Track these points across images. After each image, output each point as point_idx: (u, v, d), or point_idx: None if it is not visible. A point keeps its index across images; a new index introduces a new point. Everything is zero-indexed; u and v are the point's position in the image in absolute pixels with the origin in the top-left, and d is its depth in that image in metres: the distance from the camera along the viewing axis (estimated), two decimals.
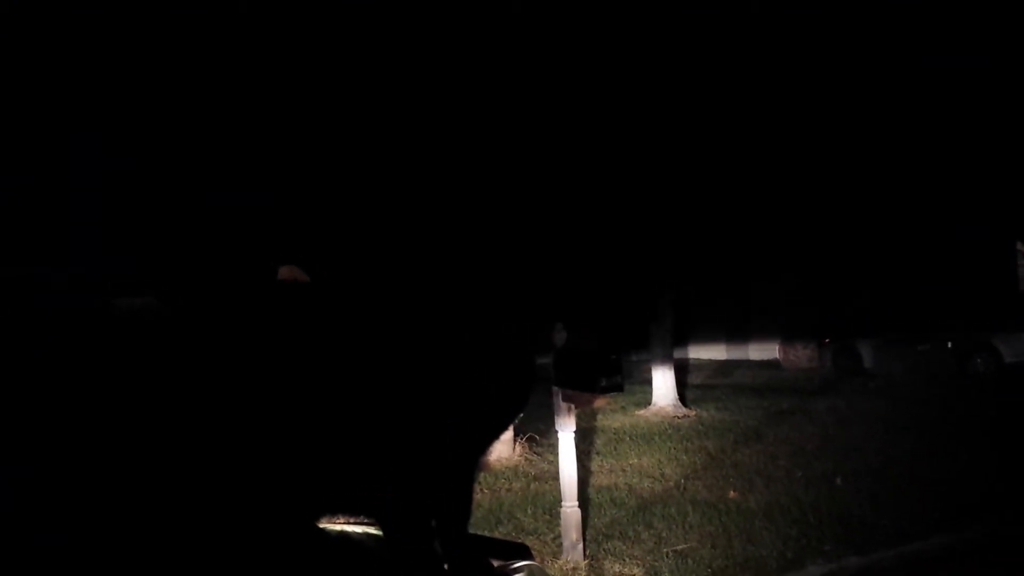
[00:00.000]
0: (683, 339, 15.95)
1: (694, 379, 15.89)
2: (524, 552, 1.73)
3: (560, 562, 5.36)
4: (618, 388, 2.09)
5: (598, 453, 8.98)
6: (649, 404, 11.94)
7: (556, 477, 5.95)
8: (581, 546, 5.48)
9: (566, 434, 5.66)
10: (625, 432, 10.21)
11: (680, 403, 11.96)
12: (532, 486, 7.56)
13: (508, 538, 1.78)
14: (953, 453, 8.03)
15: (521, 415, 1.61)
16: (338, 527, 1.67)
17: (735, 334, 20.47)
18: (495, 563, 1.64)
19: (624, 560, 5.40)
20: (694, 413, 11.56)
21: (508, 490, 7.44)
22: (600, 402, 11.51)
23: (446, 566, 1.41)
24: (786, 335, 18.06)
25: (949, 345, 14.55)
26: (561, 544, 5.50)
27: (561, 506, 5.60)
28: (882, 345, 15.51)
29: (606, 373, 2.11)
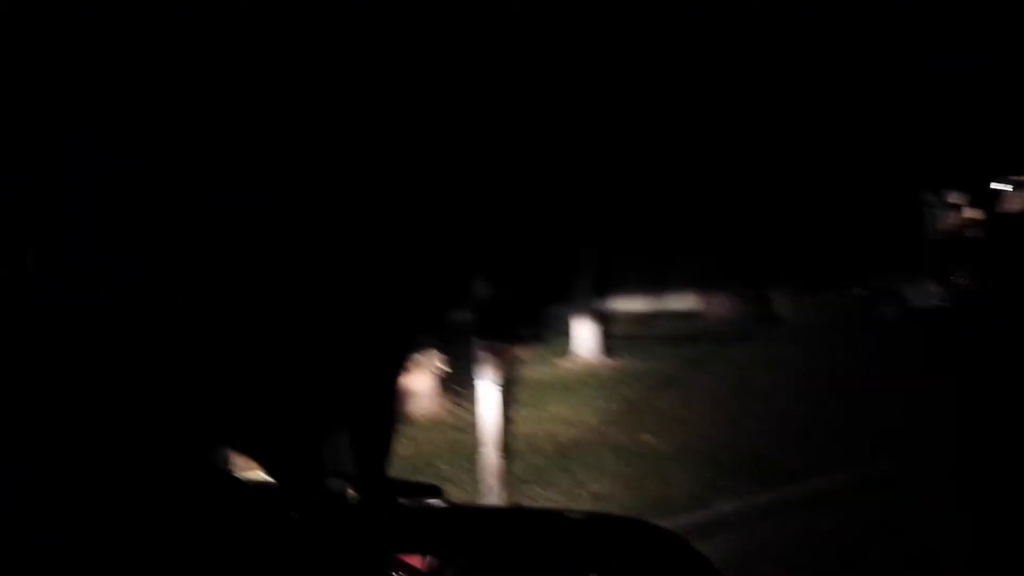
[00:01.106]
0: (605, 290, 16.10)
1: (616, 330, 16.11)
2: (436, 492, 1.77)
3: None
4: (538, 338, 2.13)
5: (518, 403, 9.06)
6: (568, 354, 12.08)
7: (476, 427, 6.02)
8: (499, 492, 5.57)
9: (485, 383, 5.72)
10: (545, 382, 10.33)
11: (601, 353, 12.13)
12: (452, 436, 7.63)
13: (420, 481, 1.81)
14: (858, 396, 8.35)
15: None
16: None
17: (656, 284, 20.76)
18: (407, 502, 1.67)
19: (541, 504, 5.51)
20: (614, 362, 11.75)
21: (429, 442, 7.50)
22: (520, 352, 11.62)
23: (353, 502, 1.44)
24: (705, 285, 18.40)
25: (854, 291, 15.04)
26: (480, 491, 5.59)
27: (479, 453, 5.67)
28: (795, 293, 15.94)
29: (525, 323, 2.15)
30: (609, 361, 11.84)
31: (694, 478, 5.84)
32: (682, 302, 19.57)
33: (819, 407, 7.99)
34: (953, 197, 18.72)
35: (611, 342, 13.37)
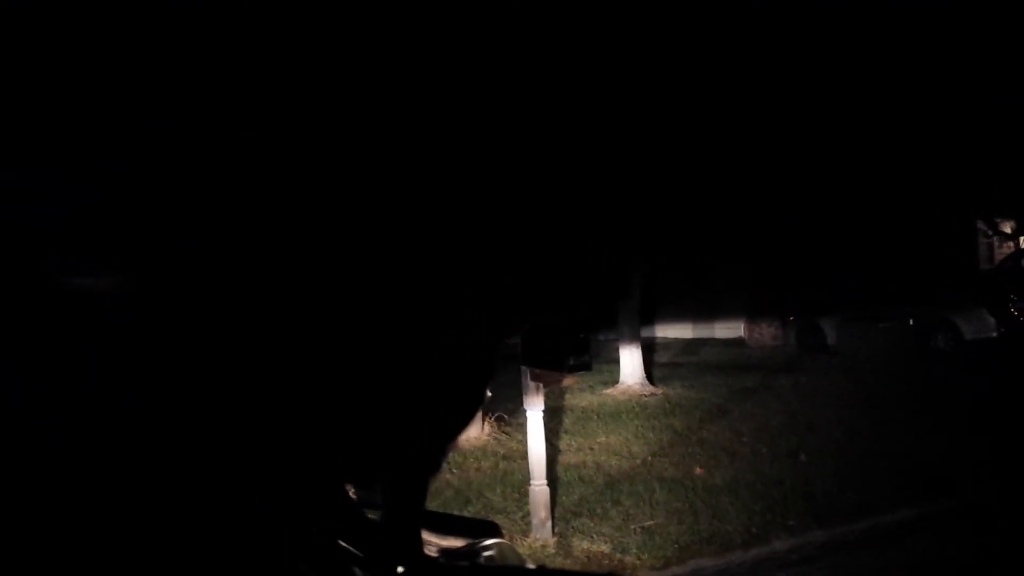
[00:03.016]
0: (650, 318, 16.01)
1: (661, 358, 15.99)
2: (494, 530, 1.72)
3: (529, 540, 5.39)
4: (586, 367, 2.09)
5: (566, 432, 9.02)
6: (616, 383, 11.99)
7: (525, 456, 5.98)
8: (550, 524, 5.52)
9: (534, 412, 5.68)
10: (593, 411, 10.26)
11: (647, 381, 12.03)
12: (501, 465, 7.58)
13: (477, 516, 1.77)
14: (914, 429, 8.15)
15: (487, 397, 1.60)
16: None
17: (701, 312, 20.60)
18: (464, 542, 1.63)
19: (592, 537, 5.44)
20: (661, 391, 11.64)
21: (477, 469, 7.46)
22: (568, 381, 11.55)
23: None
24: (751, 313, 18.23)
25: (911, 322, 14.76)
26: (530, 522, 5.53)
27: (530, 484, 5.62)
28: (845, 323, 15.70)
29: (574, 352, 2.11)
30: (656, 390, 11.73)
31: (748, 514, 5.72)
32: (728, 330, 19.40)
33: (873, 440, 7.83)
34: (1008, 226, 18.39)
35: (658, 370, 13.26)
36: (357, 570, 1.34)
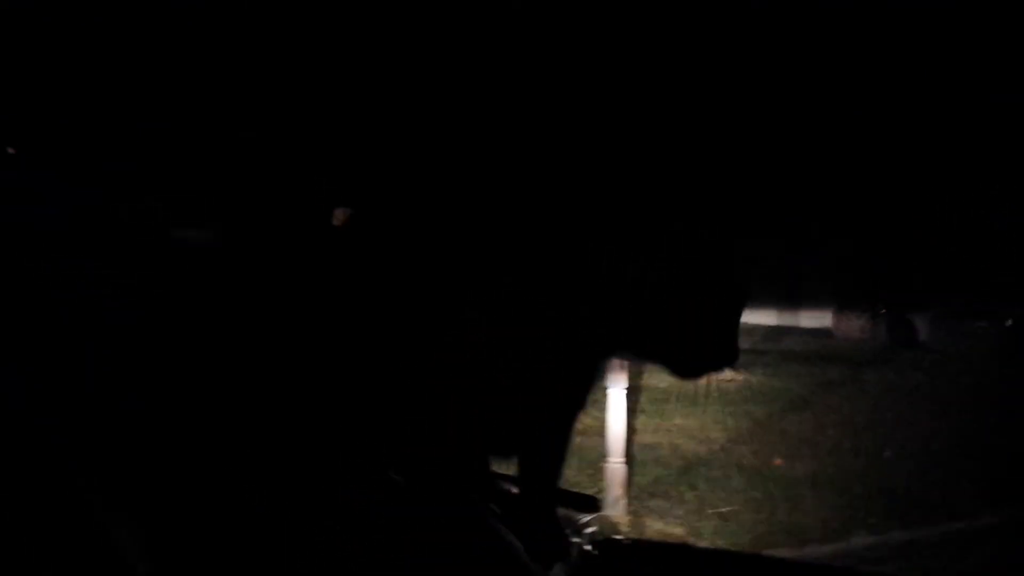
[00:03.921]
0: None
1: (743, 343, 15.69)
2: (594, 504, 1.75)
3: (602, 517, 5.42)
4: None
5: (643, 411, 8.97)
6: None
7: (601, 432, 5.97)
8: (624, 502, 5.52)
9: (616, 389, 5.68)
10: (671, 392, 10.15)
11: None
12: (577, 440, 7.56)
13: (578, 491, 1.79)
14: (1006, 433, 7.89)
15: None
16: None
17: (787, 299, 20.20)
18: (567, 513, 1.65)
19: (666, 518, 5.43)
20: (741, 377, 11.46)
21: None
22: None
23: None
24: (840, 303, 17.80)
25: (1008, 323, 14.24)
26: (604, 499, 5.55)
27: (606, 461, 5.63)
28: (938, 319, 15.24)
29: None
30: (737, 376, 11.55)
31: (827, 508, 5.63)
32: (815, 319, 18.99)
33: (960, 441, 7.59)
34: None
35: (740, 356, 13.05)
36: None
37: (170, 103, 1.26)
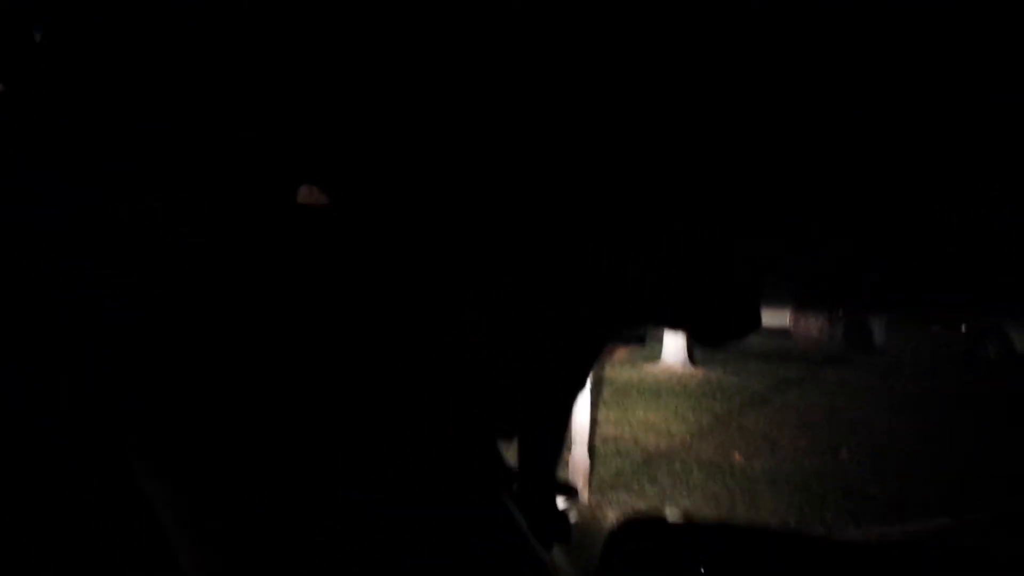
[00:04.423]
0: None
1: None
2: (573, 493, 1.77)
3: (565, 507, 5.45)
4: (640, 340, 2.11)
5: (604, 403, 9.04)
6: (658, 360, 11.99)
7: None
8: (587, 493, 5.57)
9: (579, 394, 5.72)
10: (633, 386, 10.27)
11: (689, 362, 12.01)
12: None
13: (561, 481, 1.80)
14: (958, 435, 8.07)
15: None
16: None
17: None
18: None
19: (627, 511, 5.48)
20: (702, 373, 11.61)
21: None
22: (619, 353, 11.57)
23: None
24: (798, 304, 18.04)
25: (962, 328, 14.53)
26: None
27: (569, 451, 5.67)
28: (894, 322, 15.51)
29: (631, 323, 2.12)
30: (697, 371, 11.71)
31: (785, 504, 5.72)
32: (773, 318, 19.23)
33: (914, 443, 7.75)
34: None
35: (700, 352, 13.21)
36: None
37: (170, 103, 1.25)
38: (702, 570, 1.44)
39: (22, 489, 0.98)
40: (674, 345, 12.01)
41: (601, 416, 8.36)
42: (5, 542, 0.93)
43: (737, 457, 6.93)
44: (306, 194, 1.44)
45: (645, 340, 2.23)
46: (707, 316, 1.44)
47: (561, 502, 1.73)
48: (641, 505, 5.61)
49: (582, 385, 1.54)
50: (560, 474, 4.57)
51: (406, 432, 1.26)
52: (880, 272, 16.63)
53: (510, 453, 1.51)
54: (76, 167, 1.20)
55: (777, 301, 18.84)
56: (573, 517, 1.74)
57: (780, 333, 18.18)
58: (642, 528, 1.70)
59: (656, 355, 12.10)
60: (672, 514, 5.29)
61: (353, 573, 1.07)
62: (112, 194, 1.20)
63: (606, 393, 9.63)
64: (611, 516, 5.36)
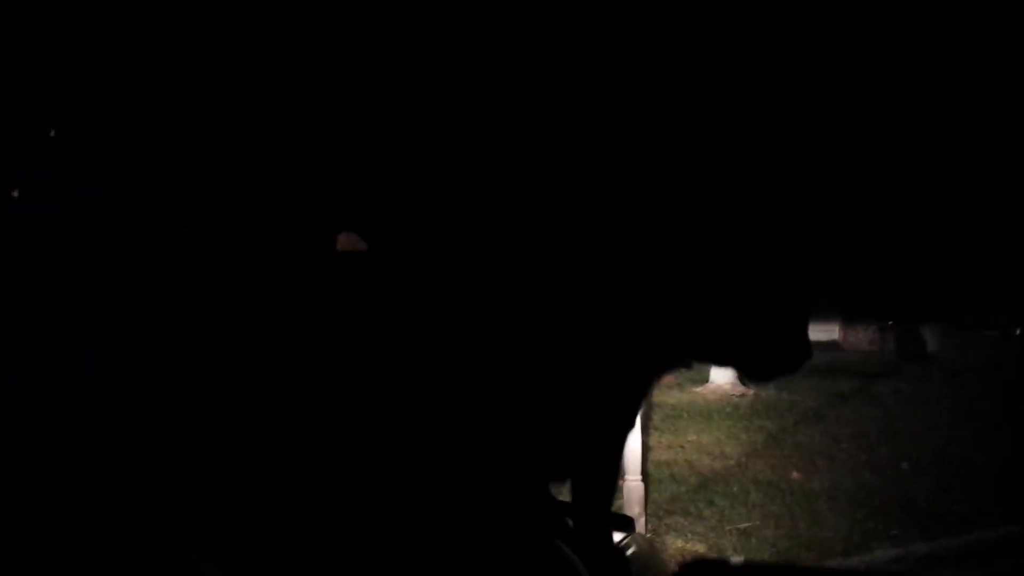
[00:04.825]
0: None
1: None
2: (630, 524, 1.75)
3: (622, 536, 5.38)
4: (686, 364, 2.09)
5: (656, 428, 8.95)
6: (706, 382, 11.84)
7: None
8: (643, 520, 5.49)
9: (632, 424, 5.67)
10: (683, 408, 10.16)
11: (738, 382, 11.84)
12: None
13: (614, 512, 1.78)
14: (1019, 440, 7.85)
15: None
16: None
17: None
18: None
19: (687, 536, 5.40)
20: (752, 392, 11.44)
21: None
22: (668, 378, 11.46)
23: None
24: (847, 316, 17.74)
25: (1017, 332, 14.19)
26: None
27: (623, 479, 5.60)
28: (948, 330, 15.20)
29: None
30: (747, 391, 11.53)
31: (848, 521, 5.60)
32: (822, 332, 18.94)
33: (976, 452, 7.55)
34: None
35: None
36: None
37: (170, 103, 1.26)
38: None
39: (22, 489, 0.99)
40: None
41: (652, 441, 8.27)
42: (5, 542, 0.94)
43: (795, 475, 6.81)
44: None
45: (691, 363, 2.19)
46: (758, 356, 1.41)
47: (617, 536, 1.70)
48: (700, 529, 5.52)
49: (633, 421, 1.51)
50: (615, 503, 4.50)
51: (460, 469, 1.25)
52: (929, 279, 16.30)
53: (563, 494, 1.49)
54: (76, 167, 1.21)
55: (824, 315, 18.56)
56: (631, 549, 1.71)
57: (829, 346, 17.89)
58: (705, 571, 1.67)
59: (704, 377, 11.95)
60: (736, 561, 5.20)
61: None
62: (112, 194, 1.21)
63: (656, 418, 9.52)
64: (670, 543, 5.28)
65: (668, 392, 11.28)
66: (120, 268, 1.22)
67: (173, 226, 1.25)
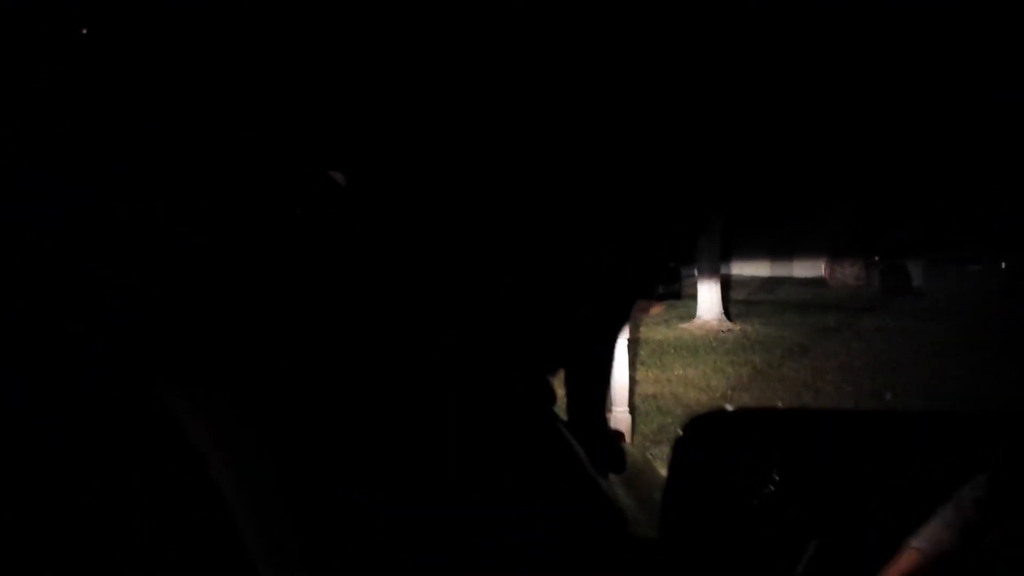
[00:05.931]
0: (728, 255, 15.81)
1: (738, 295, 15.79)
2: (620, 438, 1.77)
3: None
4: (676, 295, 2.09)
5: (642, 363, 9.00)
6: (693, 317, 11.91)
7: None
8: (631, 450, 5.55)
9: (618, 340, 5.69)
10: (669, 344, 10.22)
11: (725, 317, 11.92)
12: None
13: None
14: (1005, 373, 7.94)
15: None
16: None
17: (780, 251, 20.25)
18: None
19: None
20: (739, 327, 11.52)
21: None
22: (656, 309, 11.53)
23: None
24: (833, 252, 17.84)
25: (1002, 266, 14.30)
26: None
27: (611, 410, 5.64)
28: (932, 264, 15.29)
29: (664, 280, 2.10)
30: (734, 326, 11.61)
31: None
32: (808, 269, 19.05)
33: (959, 383, 7.64)
34: None
35: (735, 307, 13.12)
36: None
37: (170, 103, 1.21)
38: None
39: (22, 490, 0.97)
40: (709, 301, 11.92)
41: (639, 375, 8.32)
42: (5, 542, 0.92)
43: (780, 406, 6.88)
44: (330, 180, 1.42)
45: (680, 294, 2.20)
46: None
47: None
48: None
49: (622, 323, 1.53)
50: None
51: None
52: (914, 215, 16.39)
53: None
54: (76, 167, 1.17)
55: (810, 251, 18.66)
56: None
57: (815, 283, 18.02)
58: (711, 419, 1.73)
59: (691, 312, 12.02)
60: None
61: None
62: (112, 194, 1.18)
63: (643, 352, 9.58)
64: (658, 467, 5.34)
65: (655, 328, 11.34)
66: (120, 268, 1.19)
67: (173, 226, 1.21)
